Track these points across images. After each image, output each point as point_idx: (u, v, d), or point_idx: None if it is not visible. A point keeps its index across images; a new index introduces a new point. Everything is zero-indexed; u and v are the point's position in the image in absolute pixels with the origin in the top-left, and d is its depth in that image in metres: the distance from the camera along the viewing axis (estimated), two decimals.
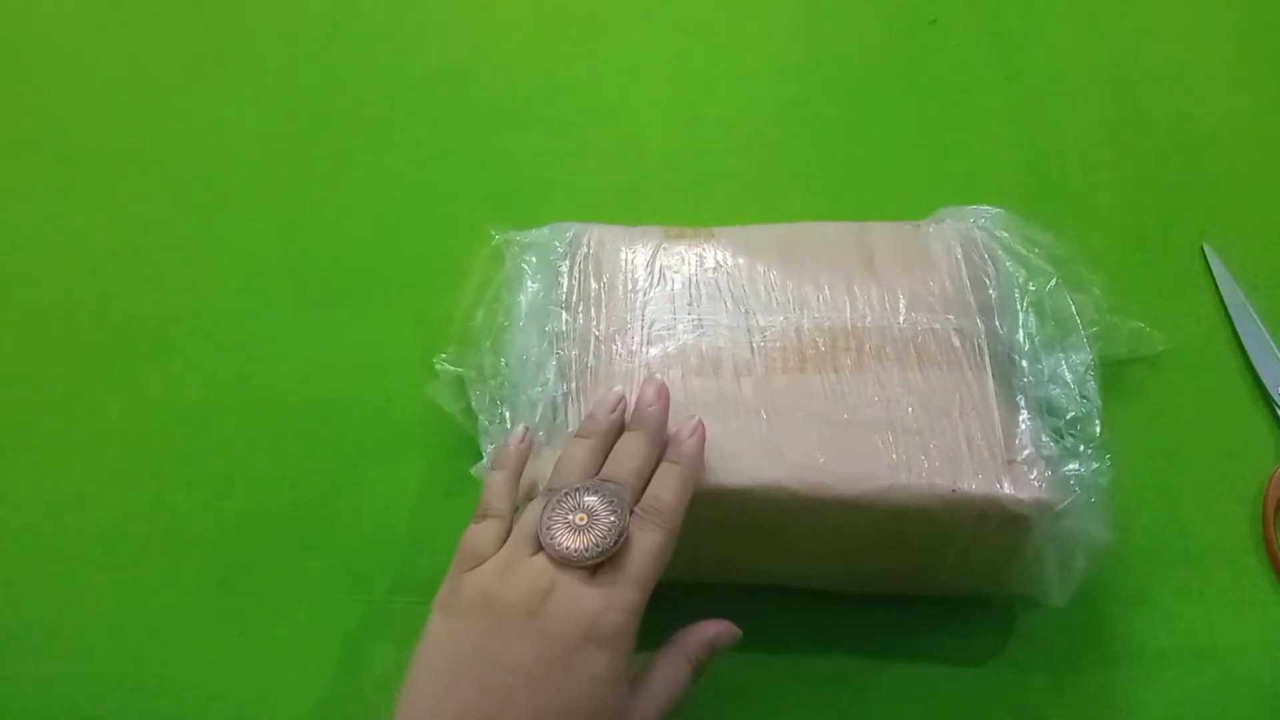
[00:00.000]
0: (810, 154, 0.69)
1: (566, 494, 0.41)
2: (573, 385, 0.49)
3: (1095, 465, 0.47)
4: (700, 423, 0.45)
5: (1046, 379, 0.50)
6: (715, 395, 0.47)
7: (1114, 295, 0.54)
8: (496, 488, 0.44)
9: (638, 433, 0.44)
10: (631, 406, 0.46)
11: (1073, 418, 0.49)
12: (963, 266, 0.52)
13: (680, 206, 0.67)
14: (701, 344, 0.49)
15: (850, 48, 0.75)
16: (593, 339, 0.50)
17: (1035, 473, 0.45)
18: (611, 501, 0.40)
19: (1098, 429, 0.48)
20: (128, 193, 0.69)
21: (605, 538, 0.39)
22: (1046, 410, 0.49)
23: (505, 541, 0.41)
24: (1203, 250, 0.63)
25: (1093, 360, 0.51)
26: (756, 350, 0.49)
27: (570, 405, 0.48)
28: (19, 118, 0.73)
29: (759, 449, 0.45)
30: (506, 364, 0.51)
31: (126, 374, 0.61)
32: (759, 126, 0.71)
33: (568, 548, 0.39)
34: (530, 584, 0.39)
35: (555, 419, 0.48)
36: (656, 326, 0.50)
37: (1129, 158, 0.67)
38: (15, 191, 0.69)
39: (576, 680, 0.37)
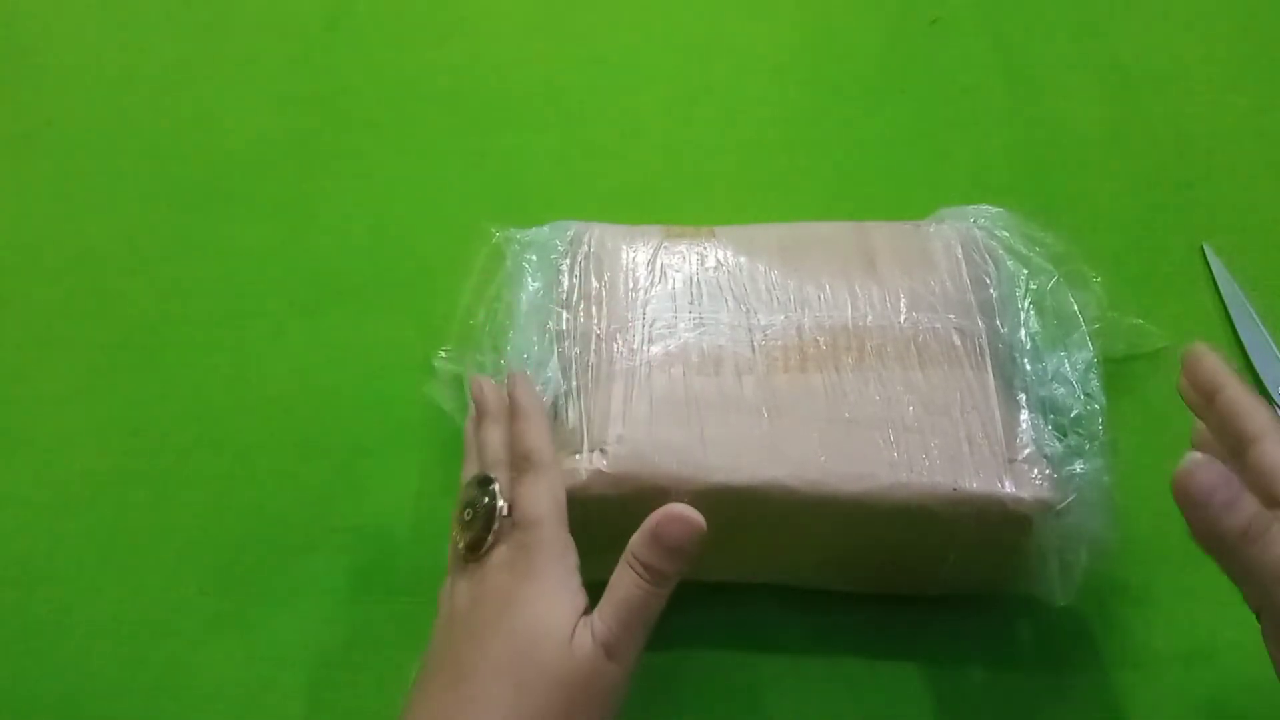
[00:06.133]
0: (810, 154, 0.69)
1: (459, 500, 0.43)
2: (574, 384, 0.49)
3: (1098, 463, 0.47)
4: (518, 373, 0.47)
5: (1049, 377, 0.50)
6: (716, 393, 0.47)
7: (1114, 292, 0.54)
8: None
9: (485, 421, 0.46)
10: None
11: (1076, 415, 0.49)
12: (963, 266, 0.52)
13: (680, 206, 0.67)
14: (703, 342, 0.49)
15: (850, 48, 0.75)
16: (594, 337, 0.50)
17: (1036, 471, 0.45)
18: (483, 486, 0.42)
19: (1101, 427, 0.48)
20: (128, 192, 0.69)
21: (487, 523, 0.41)
22: (1050, 408, 0.49)
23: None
24: (1203, 250, 0.63)
25: (1095, 358, 0.51)
26: (758, 349, 0.49)
27: (571, 404, 0.48)
28: (19, 118, 0.73)
29: (760, 447, 0.45)
30: (507, 363, 0.51)
31: (126, 374, 0.61)
32: (759, 126, 0.71)
33: (465, 545, 0.42)
34: (465, 591, 0.41)
35: (556, 417, 0.48)
36: (658, 325, 0.50)
37: (1129, 158, 0.67)
38: (15, 191, 0.69)
39: (518, 614, 0.38)
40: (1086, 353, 0.51)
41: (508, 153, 0.70)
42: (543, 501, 0.41)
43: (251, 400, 0.59)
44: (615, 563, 0.45)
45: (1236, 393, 0.38)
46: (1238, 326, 0.59)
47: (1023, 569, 0.46)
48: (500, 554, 0.41)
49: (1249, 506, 0.34)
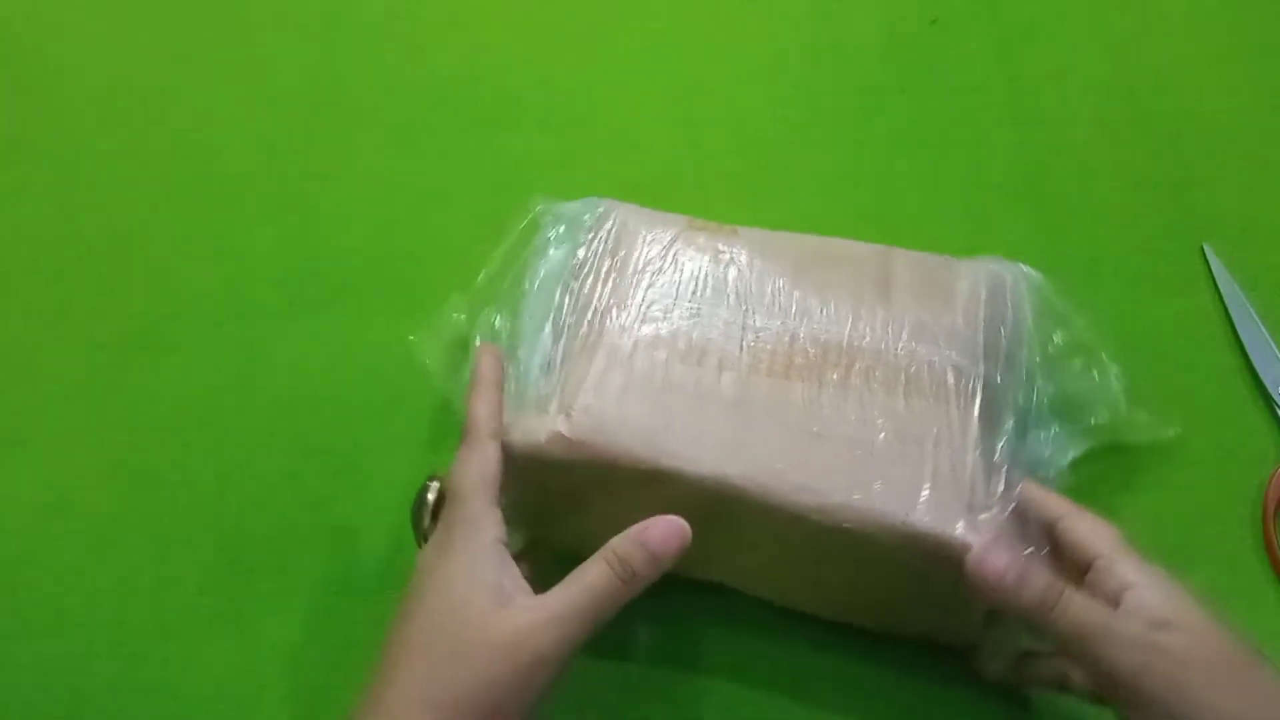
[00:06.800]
0: (810, 154, 0.69)
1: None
2: (561, 348, 0.49)
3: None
4: (485, 344, 0.49)
5: (1031, 445, 0.49)
6: (693, 383, 0.47)
7: (1136, 379, 0.52)
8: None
9: (470, 389, 0.47)
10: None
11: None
12: (982, 307, 0.50)
13: (680, 207, 0.66)
14: (693, 332, 0.49)
15: (850, 48, 0.75)
16: (592, 309, 0.50)
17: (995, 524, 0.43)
18: (426, 484, 0.46)
19: None
20: (128, 193, 0.69)
21: (419, 518, 0.45)
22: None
23: None
24: (1203, 250, 0.63)
25: (1079, 453, 0.50)
26: (746, 348, 0.48)
27: (554, 367, 0.48)
28: (19, 118, 0.73)
29: (721, 442, 0.45)
30: (516, 324, 0.51)
31: (126, 374, 0.61)
32: (759, 127, 0.71)
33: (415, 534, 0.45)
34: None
35: (543, 381, 0.48)
36: (654, 307, 0.50)
37: (1129, 158, 0.67)
38: (15, 191, 0.69)
39: (436, 591, 0.40)
40: (1082, 444, 0.50)
41: (508, 152, 0.70)
42: (470, 474, 0.43)
43: (251, 400, 0.59)
44: (567, 529, 0.47)
45: (1033, 489, 0.45)
46: (1238, 326, 0.59)
47: (973, 620, 0.46)
48: (434, 531, 0.43)
49: (1039, 579, 0.39)
